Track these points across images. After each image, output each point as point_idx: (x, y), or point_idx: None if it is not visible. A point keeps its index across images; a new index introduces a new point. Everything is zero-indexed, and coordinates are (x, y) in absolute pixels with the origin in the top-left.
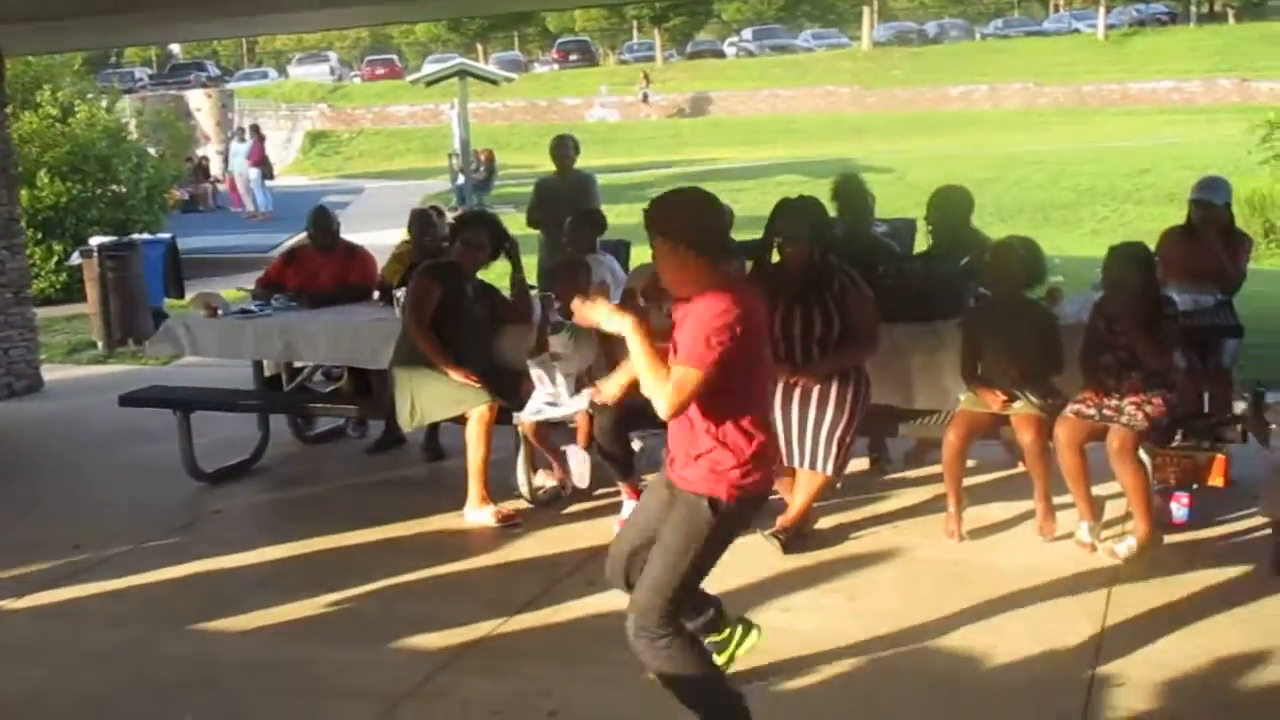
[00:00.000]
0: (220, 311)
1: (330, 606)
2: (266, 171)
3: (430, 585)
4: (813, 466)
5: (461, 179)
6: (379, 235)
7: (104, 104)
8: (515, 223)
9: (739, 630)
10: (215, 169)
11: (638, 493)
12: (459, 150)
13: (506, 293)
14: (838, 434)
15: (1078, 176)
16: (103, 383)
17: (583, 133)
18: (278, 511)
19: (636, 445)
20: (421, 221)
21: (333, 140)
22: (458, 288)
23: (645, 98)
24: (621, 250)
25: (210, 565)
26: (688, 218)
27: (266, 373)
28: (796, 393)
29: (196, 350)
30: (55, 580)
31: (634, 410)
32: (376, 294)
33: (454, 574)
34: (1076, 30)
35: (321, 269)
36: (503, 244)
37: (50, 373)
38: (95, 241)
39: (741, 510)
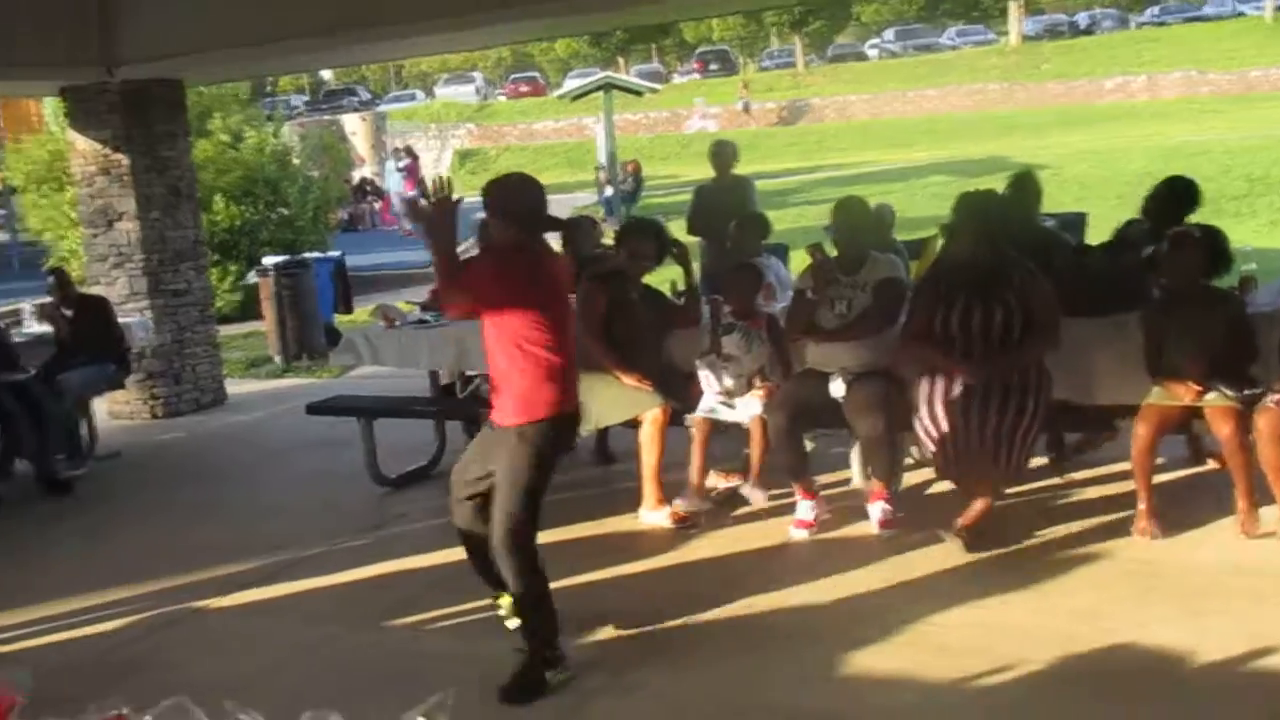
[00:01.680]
0: (398, 323)
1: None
2: (422, 191)
3: (610, 584)
4: (995, 464)
5: (609, 191)
6: None
7: (271, 129)
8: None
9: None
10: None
11: (811, 494)
12: (605, 163)
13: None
14: (1020, 432)
15: (1249, 166)
16: (282, 395)
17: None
18: None
19: (809, 445)
20: (578, 230)
21: (481, 157)
22: (624, 293)
23: (746, 107)
24: (781, 253)
25: (397, 566)
26: (509, 198)
27: (441, 381)
28: (979, 390)
29: (377, 360)
30: (256, 580)
31: (807, 411)
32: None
33: (633, 573)
34: (1241, 14)
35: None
36: (668, 249)
37: (231, 387)
38: (270, 261)
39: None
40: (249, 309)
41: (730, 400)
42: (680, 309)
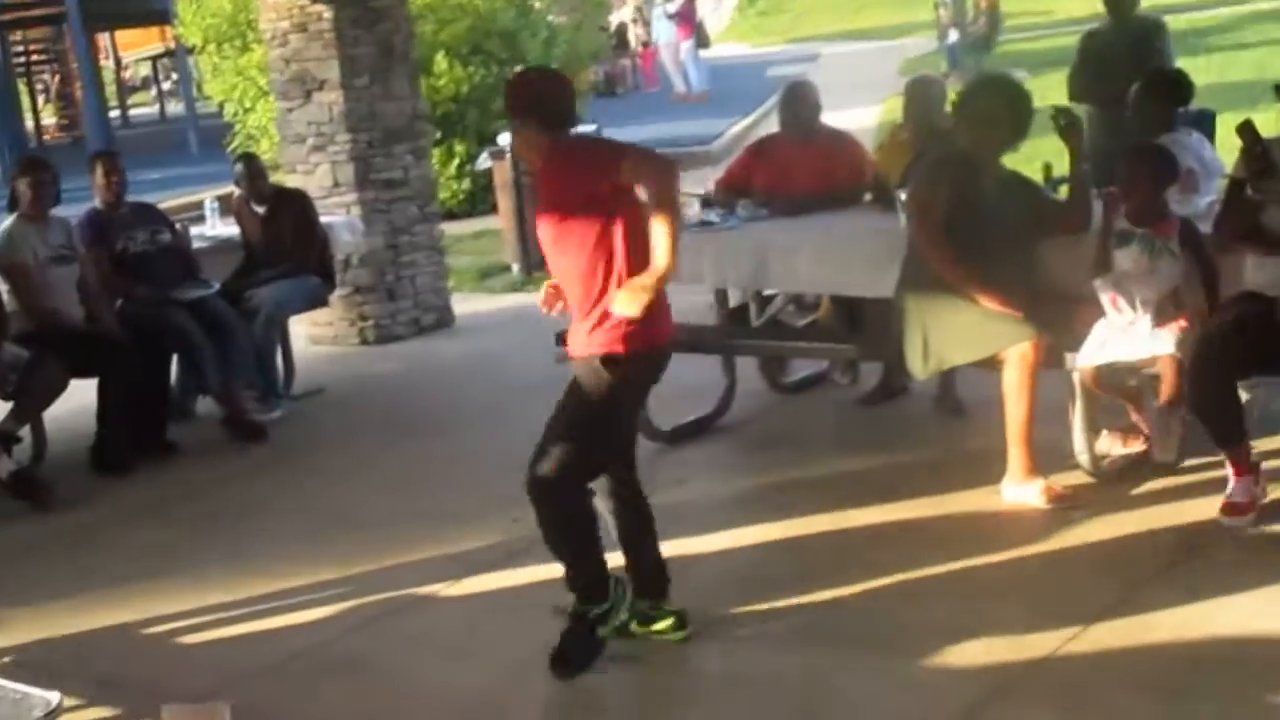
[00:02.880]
0: None
1: (829, 608)
2: (701, 40)
3: (961, 584)
4: None
5: (954, 35)
6: (848, 116)
7: None
8: (1037, 93)
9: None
10: (634, 39)
11: (1245, 467)
12: None
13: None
14: None
15: None
16: (523, 316)
17: None
18: (753, 482)
19: (1244, 397)
20: (923, 94)
21: None
22: (974, 184)
23: None
24: (1205, 123)
25: (672, 549)
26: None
27: (731, 302)
28: None
29: None
30: (491, 562)
31: (1240, 351)
32: (869, 195)
33: (993, 570)
34: None
35: (798, 164)
36: (1025, 118)
37: (460, 304)
38: (506, 139)
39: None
40: (480, 201)
41: (1131, 336)
42: (1060, 206)
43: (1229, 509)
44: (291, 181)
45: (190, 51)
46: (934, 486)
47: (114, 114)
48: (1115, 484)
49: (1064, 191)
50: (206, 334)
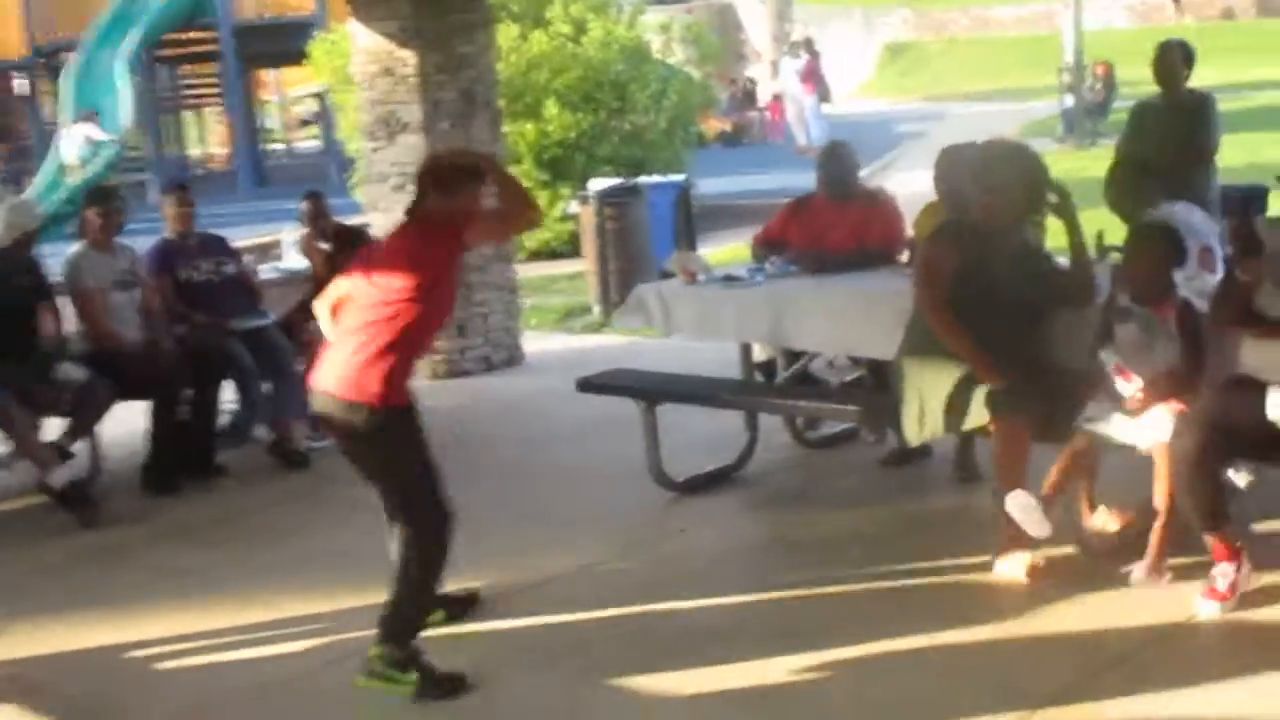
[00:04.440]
0: (700, 277)
1: (790, 675)
2: (823, 95)
3: (920, 660)
4: None
5: (1070, 100)
6: None
7: (624, 17)
8: None
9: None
10: (766, 92)
11: (1231, 552)
12: (1071, 63)
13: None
14: None
15: None
16: (589, 357)
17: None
18: (754, 538)
19: (1241, 482)
20: (950, 162)
21: (917, 53)
22: (984, 252)
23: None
24: (1255, 201)
25: (657, 603)
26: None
27: (758, 356)
28: None
29: (669, 324)
30: (486, 607)
31: (1230, 432)
32: (905, 256)
33: (957, 647)
34: None
35: (833, 223)
36: (1039, 189)
37: (536, 342)
38: (595, 186)
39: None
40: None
41: (1129, 414)
42: (1070, 277)
43: (1209, 595)
44: (373, 219)
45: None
46: (930, 553)
47: (279, 146)
48: (1108, 561)
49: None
50: (261, 363)
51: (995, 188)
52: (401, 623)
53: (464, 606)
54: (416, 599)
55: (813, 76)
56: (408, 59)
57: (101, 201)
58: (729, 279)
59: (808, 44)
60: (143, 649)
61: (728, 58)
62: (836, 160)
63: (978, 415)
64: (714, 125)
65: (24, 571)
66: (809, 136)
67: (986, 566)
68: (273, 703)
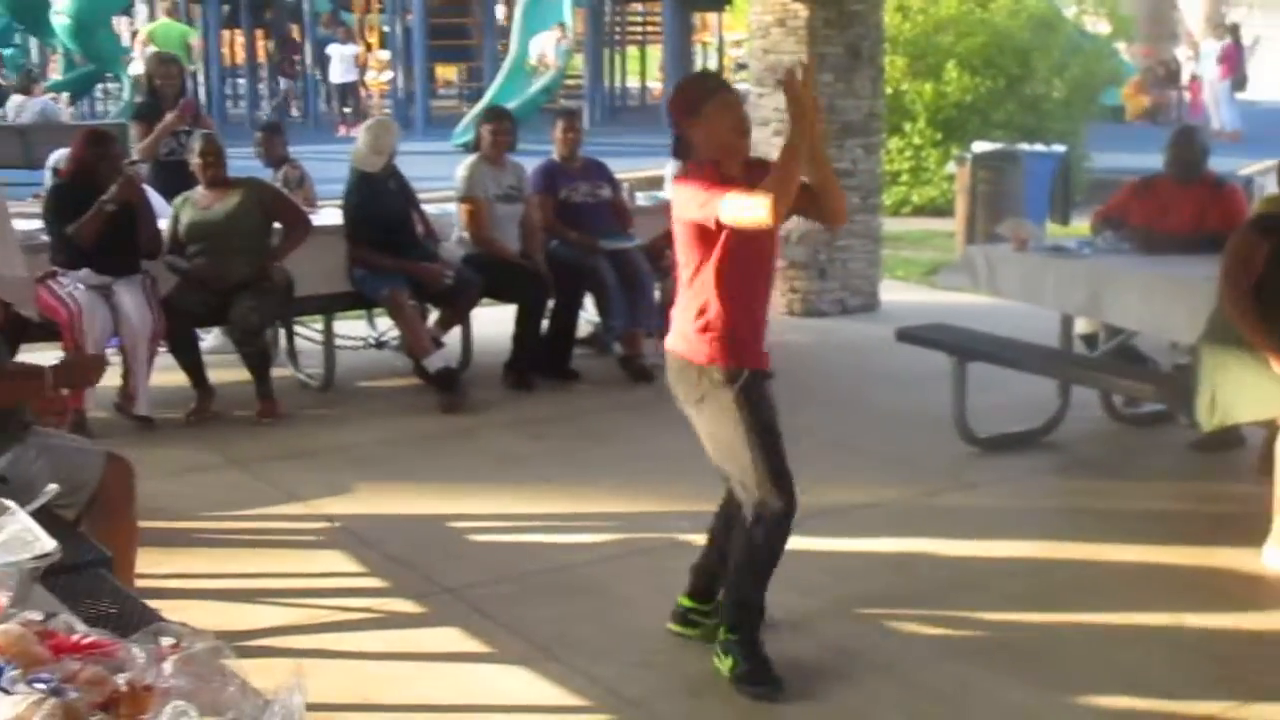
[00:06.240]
0: (1031, 244)
1: (1031, 633)
2: (1238, 82)
3: (1157, 636)
4: None
5: None
6: None
7: None
8: None
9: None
10: (1188, 73)
11: None
12: None
13: None
14: None
15: None
16: (941, 311)
17: None
18: (1039, 499)
19: None
20: None
21: None
22: None
23: None
24: None
25: (932, 545)
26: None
27: (1084, 329)
28: None
29: (994, 288)
30: None
31: None
32: None
33: (1199, 629)
34: None
35: (1175, 205)
36: None
37: (897, 292)
38: (977, 148)
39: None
40: None
41: None
42: None
43: None
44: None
45: None
46: (1206, 538)
47: None
48: None
49: None
50: (621, 282)
51: None
52: (744, 612)
53: None
54: (758, 581)
55: (1230, 61)
56: (799, 11)
57: (494, 120)
58: (1056, 249)
59: (1233, 29)
60: (463, 521)
61: (1162, 36)
62: (1186, 143)
63: (1267, 407)
64: (1139, 101)
65: (380, 441)
66: (1222, 120)
67: (1256, 557)
68: (564, 581)
